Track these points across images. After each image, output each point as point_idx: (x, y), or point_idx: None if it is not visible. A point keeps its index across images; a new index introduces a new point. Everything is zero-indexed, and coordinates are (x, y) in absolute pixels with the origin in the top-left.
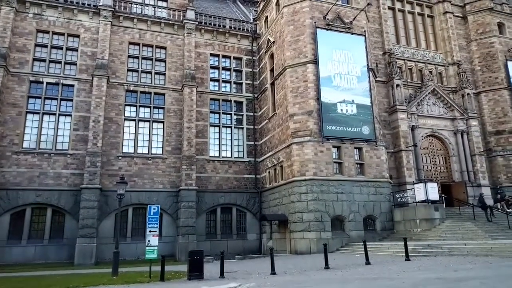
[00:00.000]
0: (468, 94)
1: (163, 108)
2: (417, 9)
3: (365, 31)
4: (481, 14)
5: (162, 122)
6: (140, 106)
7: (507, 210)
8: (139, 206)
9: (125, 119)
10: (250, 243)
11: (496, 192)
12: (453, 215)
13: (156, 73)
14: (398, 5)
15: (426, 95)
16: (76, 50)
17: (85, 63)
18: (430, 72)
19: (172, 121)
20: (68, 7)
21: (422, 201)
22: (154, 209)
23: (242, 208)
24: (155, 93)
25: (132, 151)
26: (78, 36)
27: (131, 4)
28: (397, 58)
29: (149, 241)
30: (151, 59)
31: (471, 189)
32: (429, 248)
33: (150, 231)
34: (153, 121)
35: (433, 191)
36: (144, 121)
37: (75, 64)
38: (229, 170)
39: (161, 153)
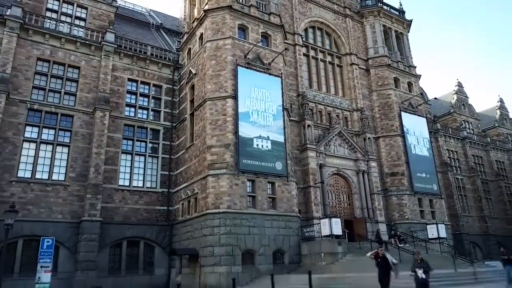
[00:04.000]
0: (369, 138)
1: (70, 131)
2: (328, 58)
3: (282, 73)
4: (381, 69)
5: (68, 146)
6: (43, 127)
7: (399, 245)
8: (32, 238)
9: (24, 140)
10: (158, 278)
11: (390, 229)
12: (354, 250)
13: (66, 93)
14: (312, 53)
15: (333, 137)
16: None
17: None
18: (337, 116)
19: (80, 145)
20: None
21: (327, 236)
22: (48, 242)
23: (151, 241)
24: (62, 114)
25: (30, 176)
26: None
27: (44, 18)
28: (309, 101)
29: (39, 278)
30: (61, 78)
31: (370, 225)
32: (332, 280)
33: (41, 267)
34: (58, 144)
35: (337, 226)
36: (47, 143)
37: None
38: (139, 200)
39: (64, 179)
